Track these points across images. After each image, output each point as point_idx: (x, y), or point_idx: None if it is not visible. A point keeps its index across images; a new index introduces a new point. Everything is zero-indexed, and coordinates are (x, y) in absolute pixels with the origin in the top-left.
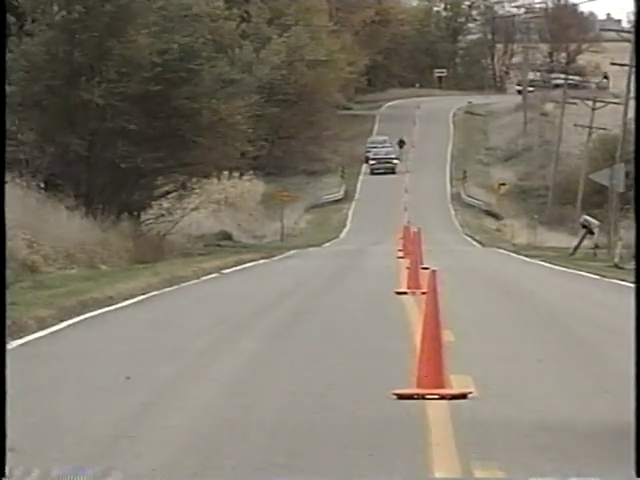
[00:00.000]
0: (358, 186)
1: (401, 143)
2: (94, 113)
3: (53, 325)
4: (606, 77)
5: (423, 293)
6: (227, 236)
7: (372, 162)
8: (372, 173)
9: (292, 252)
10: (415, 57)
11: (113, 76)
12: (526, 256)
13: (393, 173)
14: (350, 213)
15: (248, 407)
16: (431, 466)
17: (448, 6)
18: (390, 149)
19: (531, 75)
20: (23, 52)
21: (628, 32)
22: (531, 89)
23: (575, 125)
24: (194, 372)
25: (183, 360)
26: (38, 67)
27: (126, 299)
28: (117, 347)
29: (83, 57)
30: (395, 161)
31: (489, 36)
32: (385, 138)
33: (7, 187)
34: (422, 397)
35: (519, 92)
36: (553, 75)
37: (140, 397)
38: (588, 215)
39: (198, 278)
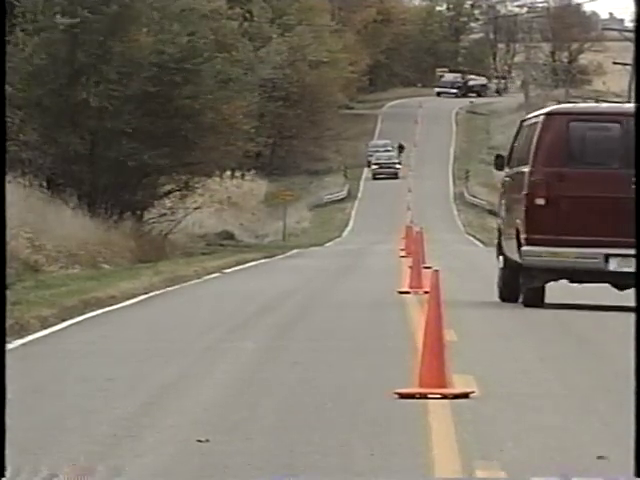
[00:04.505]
0: (361, 185)
1: (400, 148)
2: (96, 114)
3: (55, 324)
4: (504, 78)
5: (425, 292)
6: (229, 235)
7: (374, 167)
8: (374, 178)
9: (294, 251)
10: (417, 56)
11: (114, 77)
12: None
13: (396, 178)
14: (353, 212)
15: (250, 406)
16: (432, 466)
17: (450, 5)
18: (392, 153)
19: (450, 76)
20: (24, 54)
21: (630, 31)
22: (454, 91)
23: None
24: (196, 371)
25: (185, 359)
26: (39, 67)
27: (128, 298)
28: (119, 346)
29: (85, 58)
30: (397, 166)
31: (491, 35)
32: (387, 142)
33: (9, 186)
34: (424, 396)
35: (438, 94)
36: (469, 77)
37: (142, 397)
38: None
39: (200, 278)
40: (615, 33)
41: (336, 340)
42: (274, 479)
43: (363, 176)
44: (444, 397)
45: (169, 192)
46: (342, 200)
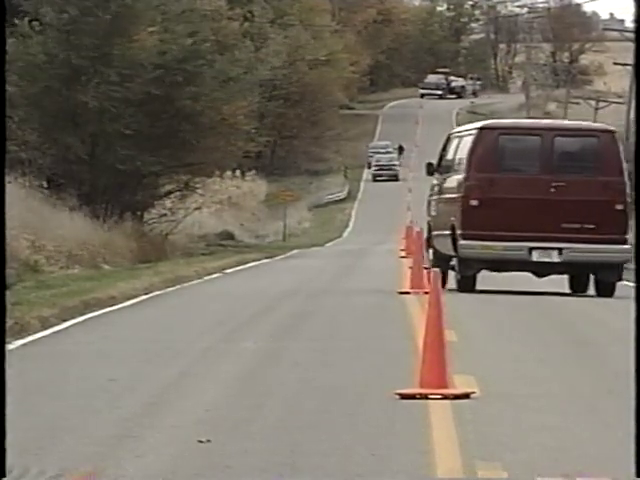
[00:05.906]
0: (361, 186)
1: (400, 149)
2: (95, 115)
3: (56, 325)
4: (479, 79)
5: (426, 293)
6: (229, 236)
7: (374, 169)
8: (374, 180)
9: (294, 252)
10: (418, 57)
11: (114, 78)
12: None
13: (396, 180)
14: (353, 213)
15: (251, 407)
16: (434, 466)
17: (451, 6)
18: (393, 155)
19: (433, 77)
20: (21, 52)
21: (631, 32)
22: (439, 92)
23: None
24: (197, 372)
25: (186, 360)
26: (37, 67)
27: (128, 299)
28: (120, 347)
29: (82, 59)
30: (398, 167)
31: (492, 36)
32: (387, 143)
33: (9, 187)
34: (425, 397)
35: (422, 96)
36: (452, 78)
37: (143, 397)
38: None
39: (200, 278)
40: (616, 33)
41: (337, 340)
42: (275, 479)
43: (363, 177)
44: (445, 397)
45: (169, 192)
46: (342, 200)
